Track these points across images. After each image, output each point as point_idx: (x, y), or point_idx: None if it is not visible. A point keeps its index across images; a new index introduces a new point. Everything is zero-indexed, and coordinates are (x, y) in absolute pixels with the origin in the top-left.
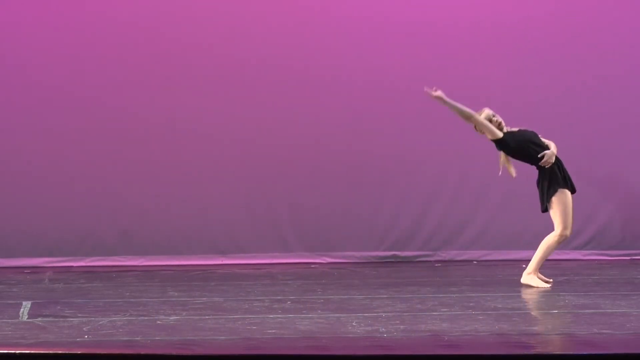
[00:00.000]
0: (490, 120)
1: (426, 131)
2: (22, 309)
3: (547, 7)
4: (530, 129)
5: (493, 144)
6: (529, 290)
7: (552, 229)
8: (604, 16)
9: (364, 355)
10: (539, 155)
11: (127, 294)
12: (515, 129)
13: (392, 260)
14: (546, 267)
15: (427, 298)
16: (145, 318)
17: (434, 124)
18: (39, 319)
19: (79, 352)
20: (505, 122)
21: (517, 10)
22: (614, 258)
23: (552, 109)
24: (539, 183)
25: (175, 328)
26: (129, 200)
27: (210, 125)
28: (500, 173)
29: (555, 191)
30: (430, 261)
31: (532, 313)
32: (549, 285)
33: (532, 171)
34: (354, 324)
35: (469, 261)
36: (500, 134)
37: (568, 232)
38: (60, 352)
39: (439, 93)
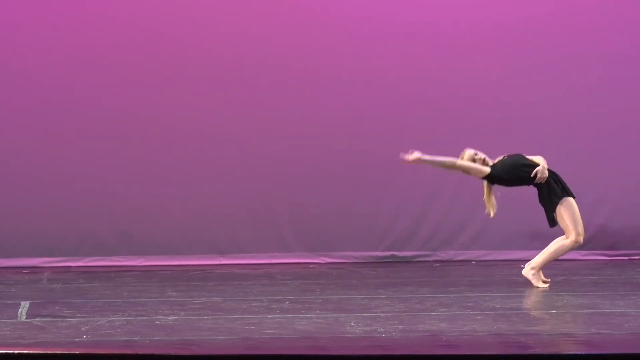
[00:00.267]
0: (474, 160)
1: (425, 131)
2: (20, 309)
3: (547, 7)
4: (514, 153)
5: (491, 144)
6: (528, 291)
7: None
8: (604, 16)
9: (363, 355)
10: (532, 175)
11: (126, 294)
12: (499, 158)
13: (391, 260)
14: (545, 267)
15: (425, 298)
16: (144, 318)
17: (433, 124)
18: (38, 319)
19: (78, 352)
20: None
21: (517, 10)
22: (613, 258)
23: (552, 109)
24: (541, 200)
25: (174, 328)
26: (128, 201)
27: (210, 126)
28: (492, 215)
29: (557, 203)
30: (428, 261)
31: (531, 313)
32: (546, 286)
33: None
34: (352, 324)
35: (468, 261)
36: (488, 170)
37: (581, 239)
38: (58, 352)
39: (415, 155)
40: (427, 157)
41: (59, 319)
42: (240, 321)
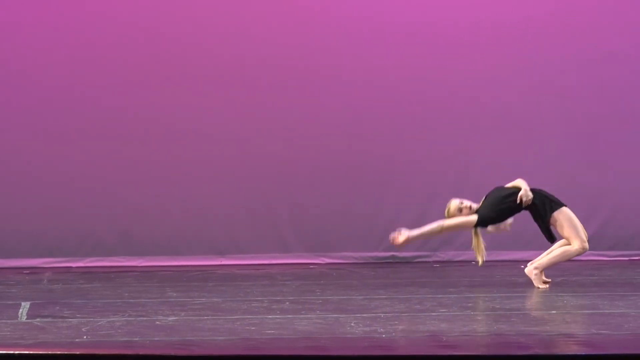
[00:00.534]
0: (460, 210)
1: (425, 132)
2: (21, 310)
3: (547, 7)
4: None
5: (491, 144)
6: (528, 291)
7: None
8: (604, 16)
9: (363, 355)
10: (517, 202)
11: (126, 294)
12: (482, 200)
13: (391, 260)
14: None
15: (425, 298)
16: (144, 318)
17: (433, 125)
18: (38, 319)
19: (78, 353)
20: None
21: (517, 10)
22: (613, 258)
23: (552, 109)
24: (535, 220)
25: (174, 328)
26: (129, 201)
27: (210, 126)
28: (481, 264)
29: (549, 219)
30: (428, 262)
31: (531, 313)
32: (547, 286)
33: (531, 170)
34: (352, 324)
35: (468, 262)
36: (475, 218)
37: (587, 245)
38: (59, 352)
39: (404, 236)
40: (415, 232)
41: (60, 320)
42: (240, 322)
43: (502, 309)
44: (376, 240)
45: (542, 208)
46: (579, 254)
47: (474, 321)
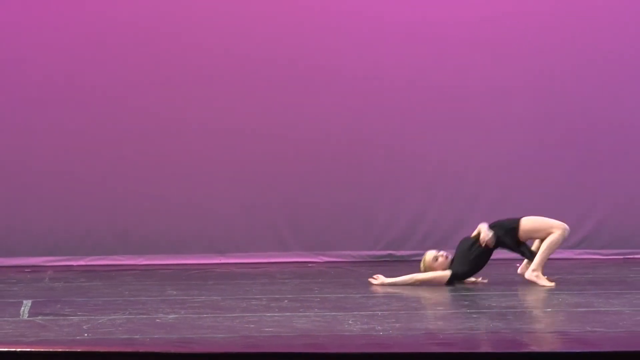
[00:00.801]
0: (437, 259)
1: (422, 131)
2: (22, 308)
3: (547, 7)
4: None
5: (491, 139)
6: (523, 289)
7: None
8: (604, 16)
9: (360, 352)
10: (483, 246)
11: (127, 292)
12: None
13: (388, 259)
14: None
15: (422, 297)
16: (144, 316)
17: (431, 124)
18: (40, 317)
19: (79, 350)
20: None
21: (517, 10)
22: (607, 257)
23: (551, 109)
24: (511, 249)
25: (174, 326)
26: (129, 201)
27: (209, 125)
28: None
29: (518, 234)
30: None
31: (526, 311)
32: (553, 284)
33: (528, 167)
34: (350, 322)
35: None
36: (448, 274)
37: (565, 225)
38: (60, 350)
39: (378, 282)
40: (389, 280)
41: (61, 317)
42: (239, 319)
43: (498, 306)
44: (374, 239)
45: (508, 234)
46: (564, 237)
47: (470, 319)
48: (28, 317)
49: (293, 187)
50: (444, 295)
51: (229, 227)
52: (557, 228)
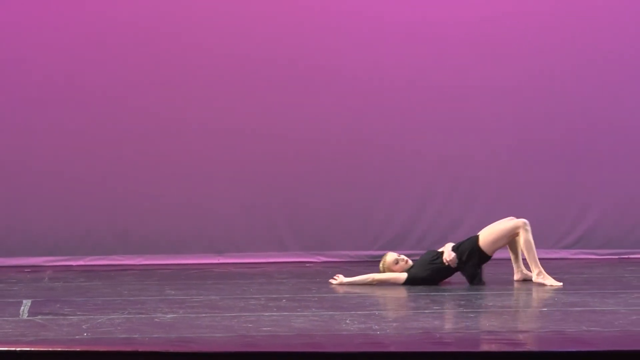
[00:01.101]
0: (397, 262)
1: (420, 132)
2: (22, 307)
3: (547, 7)
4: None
5: (489, 139)
6: (519, 289)
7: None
8: (604, 16)
9: (358, 352)
10: (446, 264)
11: (126, 292)
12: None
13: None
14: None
15: (419, 296)
16: (143, 316)
17: (428, 124)
18: (39, 317)
19: (78, 350)
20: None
21: (517, 10)
22: (603, 257)
23: (547, 110)
24: (479, 264)
25: (173, 326)
26: (128, 201)
27: (208, 126)
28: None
29: (478, 249)
30: None
31: (522, 311)
32: (560, 284)
33: (525, 167)
34: (347, 321)
35: None
36: (404, 276)
37: (522, 221)
38: (59, 349)
39: (337, 281)
40: (348, 279)
41: (60, 317)
42: (237, 319)
43: (495, 306)
44: (371, 239)
45: (473, 255)
46: (529, 230)
47: (466, 318)
48: (28, 316)
49: (291, 188)
50: (440, 295)
51: (227, 227)
52: (517, 227)
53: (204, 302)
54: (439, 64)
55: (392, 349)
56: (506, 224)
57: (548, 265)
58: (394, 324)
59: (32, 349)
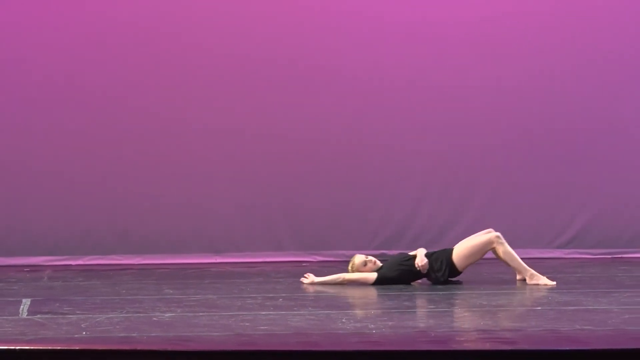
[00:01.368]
0: (366, 264)
1: (416, 131)
2: (21, 306)
3: (547, 7)
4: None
5: (484, 139)
6: (513, 288)
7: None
8: (604, 16)
9: (354, 350)
10: (416, 268)
11: (124, 291)
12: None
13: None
14: (531, 265)
15: (414, 295)
16: (142, 315)
17: (424, 125)
18: (38, 315)
19: (77, 348)
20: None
21: (517, 10)
22: (596, 257)
23: (544, 110)
24: (439, 278)
25: (171, 324)
26: (126, 201)
27: (207, 126)
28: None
29: (452, 262)
30: None
31: (516, 310)
32: (554, 283)
33: (520, 168)
34: (343, 320)
35: None
36: (374, 277)
37: (494, 234)
38: (58, 348)
39: (308, 280)
40: (319, 279)
41: (59, 316)
42: (235, 318)
43: (489, 305)
44: (367, 238)
45: (445, 268)
46: (500, 242)
47: (461, 317)
48: (27, 315)
49: (288, 188)
50: (435, 294)
51: (225, 227)
52: (490, 243)
53: (201, 301)
54: (438, 65)
55: (388, 347)
56: (479, 239)
57: (542, 265)
58: (390, 323)
59: (32, 347)
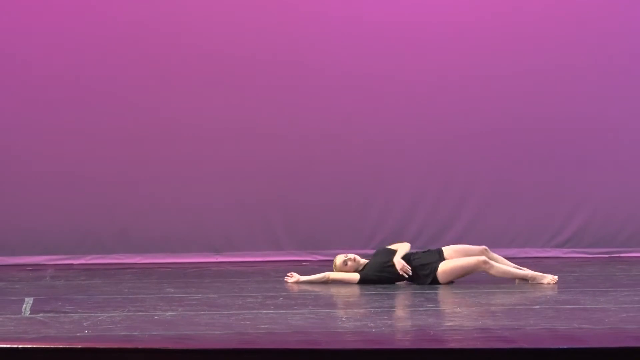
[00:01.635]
0: (346, 263)
1: (415, 131)
2: (24, 305)
3: (547, 7)
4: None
5: (482, 139)
6: (511, 287)
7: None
8: (605, 17)
9: (353, 349)
10: (398, 273)
11: (126, 290)
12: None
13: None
14: (529, 264)
15: (413, 294)
16: (143, 313)
17: (423, 124)
18: (41, 314)
19: (79, 347)
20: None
21: (517, 10)
22: (594, 256)
23: (541, 110)
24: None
25: (172, 323)
26: (128, 201)
27: (206, 126)
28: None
29: (433, 278)
30: None
31: (515, 308)
32: (556, 278)
33: (517, 167)
34: (343, 319)
35: None
36: (357, 277)
37: (478, 258)
38: (61, 346)
39: (293, 279)
40: (304, 278)
41: (62, 315)
42: (235, 316)
43: (487, 304)
44: (366, 237)
45: (425, 273)
46: (489, 266)
47: (460, 316)
48: (30, 314)
49: (287, 187)
50: (434, 293)
51: (224, 227)
52: (477, 268)
53: (202, 300)
54: (436, 65)
55: (387, 346)
56: (466, 262)
57: (540, 264)
58: (389, 322)
59: (34, 346)
